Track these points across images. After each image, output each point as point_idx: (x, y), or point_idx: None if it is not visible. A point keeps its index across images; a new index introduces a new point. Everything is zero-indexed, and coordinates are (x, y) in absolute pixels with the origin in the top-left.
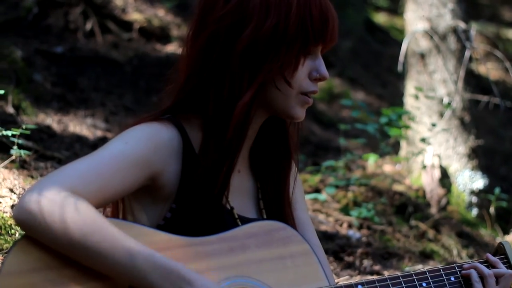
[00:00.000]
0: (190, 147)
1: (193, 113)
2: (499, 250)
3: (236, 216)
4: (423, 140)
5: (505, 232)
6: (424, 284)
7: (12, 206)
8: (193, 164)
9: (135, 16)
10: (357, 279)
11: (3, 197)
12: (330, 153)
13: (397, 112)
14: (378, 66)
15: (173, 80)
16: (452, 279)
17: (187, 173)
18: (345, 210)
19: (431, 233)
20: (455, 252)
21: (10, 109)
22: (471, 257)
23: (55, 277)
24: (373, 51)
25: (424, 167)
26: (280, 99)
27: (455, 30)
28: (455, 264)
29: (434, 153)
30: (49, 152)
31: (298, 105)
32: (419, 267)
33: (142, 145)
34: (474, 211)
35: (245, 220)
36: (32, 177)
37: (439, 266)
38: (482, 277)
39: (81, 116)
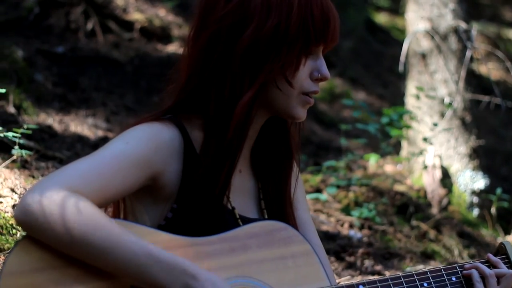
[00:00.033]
0: (191, 147)
1: (194, 113)
2: (500, 250)
3: (237, 216)
4: (425, 139)
5: (506, 232)
6: (425, 284)
7: (13, 206)
8: (194, 164)
9: (136, 16)
10: (358, 279)
11: (4, 197)
12: (331, 153)
13: (398, 112)
14: (379, 66)
15: (174, 80)
16: (453, 279)
17: (188, 173)
18: (346, 210)
19: (432, 233)
20: (456, 252)
21: (11, 109)
22: (472, 257)
23: (57, 277)
24: (374, 51)
25: (425, 167)
26: (281, 99)
27: (456, 30)
28: (456, 264)
29: (435, 153)
30: (50, 152)
31: (299, 105)
32: (420, 267)
33: (143, 145)
34: (475, 211)
35: (246, 220)
36: (33, 177)
37: (441, 266)
38: (483, 277)
39: (82, 116)
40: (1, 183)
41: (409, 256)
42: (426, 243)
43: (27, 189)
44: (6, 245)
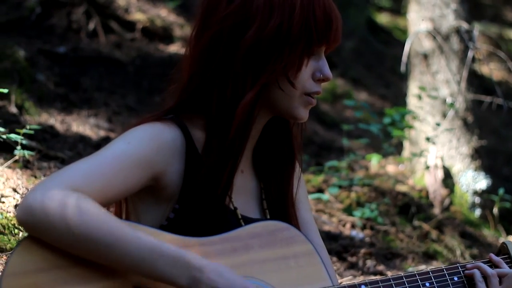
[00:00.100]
0: (193, 147)
1: (196, 113)
2: (502, 250)
3: (240, 216)
4: (428, 139)
5: (508, 233)
6: (427, 284)
7: (16, 206)
8: (196, 164)
9: (138, 16)
10: (360, 279)
11: (7, 197)
12: (333, 153)
13: (401, 112)
14: (381, 66)
15: (176, 80)
16: (455, 279)
17: (190, 173)
18: (348, 211)
19: (434, 234)
20: (458, 252)
21: (13, 109)
22: (474, 257)
23: (60, 277)
24: (376, 52)
25: (427, 167)
26: (284, 99)
27: (458, 31)
28: (458, 264)
29: (437, 153)
30: (52, 152)
31: (301, 106)
32: (422, 268)
33: (145, 145)
34: (477, 212)
35: (249, 220)
36: (35, 177)
37: (442, 266)
38: (485, 277)
39: (84, 116)
40: (3, 183)
41: (411, 256)
42: (428, 243)
43: (29, 189)
44: (8, 245)
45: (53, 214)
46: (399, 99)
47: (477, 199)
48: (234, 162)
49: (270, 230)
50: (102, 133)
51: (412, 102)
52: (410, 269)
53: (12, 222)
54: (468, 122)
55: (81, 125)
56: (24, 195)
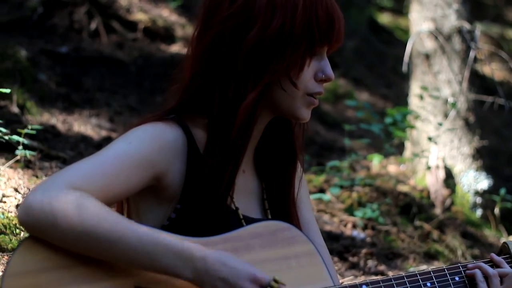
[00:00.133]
0: (195, 147)
1: (198, 113)
2: (504, 250)
3: (241, 216)
4: (429, 139)
5: (510, 233)
6: (428, 284)
7: (17, 206)
8: (198, 164)
9: (140, 16)
10: (361, 279)
11: (8, 196)
12: (334, 153)
13: (402, 112)
14: (382, 66)
15: (178, 80)
16: (457, 279)
17: (192, 174)
18: (350, 211)
19: (435, 234)
20: (459, 252)
21: (15, 109)
22: (475, 257)
23: (62, 277)
24: (378, 52)
25: (429, 167)
26: (286, 100)
27: (459, 31)
28: (459, 264)
29: (438, 153)
30: (53, 152)
31: (303, 106)
32: (424, 268)
33: (147, 145)
34: (479, 212)
35: (250, 220)
36: (36, 176)
37: (444, 266)
38: (486, 277)
39: (86, 116)
40: (5, 183)
41: (412, 257)
42: (429, 244)
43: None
44: (10, 245)
45: (55, 213)
46: (401, 99)
47: (479, 199)
48: (236, 162)
49: (271, 230)
50: (103, 133)
51: (413, 102)
52: (411, 269)
53: (14, 222)
54: (469, 122)
55: (83, 125)
56: (25, 195)
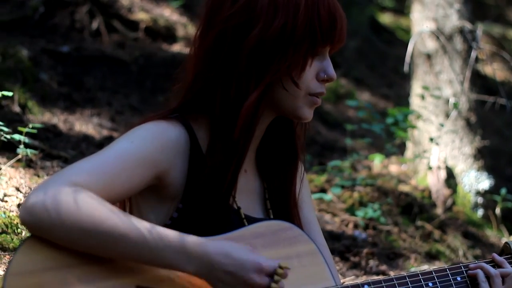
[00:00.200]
0: (197, 146)
1: (200, 113)
2: (505, 250)
3: (243, 216)
4: (431, 139)
5: (511, 233)
6: (430, 284)
7: (19, 205)
8: (200, 164)
9: (141, 16)
10: (363, 279)
11: (10, 196)
12: (336, 153)
13: (403, 112)
14: (384, 66)
15: (180, 80)
16: (458, 279)
17: (194, 173)
18: (351, 210)
19: (437, 234)
20: (461, 252)
21: (17, 108)
22: (476, 258)
23: (64, 277)
24: (379, 52)
25: (430, 167)
26: (288, 99)
27: (461, 31)
28: (461, 264)
29: (440, 153)
30: (55, 151)
31: (306, 106)
32: (425, 267)
33: (149, 144)
34: (480, 212)
35: (252, 220)
36: (38, 176)
37: (445, 266)
38: (488, 277)
39: (87, 115)
40: (6, 182)
41: (414, 256)
42: (431, 244)
43: (32, 189)
44: (11, 245)
45: (58, 212)
46: (402, 99)
47: (480, 199)
48: (238, 162)
49: (273, 229)
50: (105, 132)
51: (415, 102)
52: (413, 269)
53: (15, 222)
54: (471, 122)
55: (84, 124)
56: (27, 194)
